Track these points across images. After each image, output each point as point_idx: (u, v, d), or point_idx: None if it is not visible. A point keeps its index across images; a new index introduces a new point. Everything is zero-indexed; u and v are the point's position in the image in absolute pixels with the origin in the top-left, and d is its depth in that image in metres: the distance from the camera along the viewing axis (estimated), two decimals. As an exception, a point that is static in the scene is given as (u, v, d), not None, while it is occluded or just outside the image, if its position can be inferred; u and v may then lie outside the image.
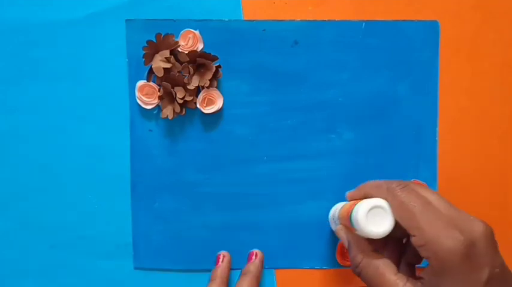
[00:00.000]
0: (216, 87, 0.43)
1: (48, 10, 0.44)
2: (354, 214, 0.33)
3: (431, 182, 0.44)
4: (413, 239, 0.30)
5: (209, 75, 0.42)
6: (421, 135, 0.45)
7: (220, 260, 0.43)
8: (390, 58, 0.44)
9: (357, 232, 0.33)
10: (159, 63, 0.42)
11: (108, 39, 0.44)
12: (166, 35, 0.42)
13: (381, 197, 0.32)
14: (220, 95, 0.43)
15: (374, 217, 0.32)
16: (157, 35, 0.42)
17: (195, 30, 0.43)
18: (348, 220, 0.34)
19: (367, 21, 0.44)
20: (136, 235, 0.44)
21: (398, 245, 0.35)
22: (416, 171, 0.45)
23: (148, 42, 0.42)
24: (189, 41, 0.43)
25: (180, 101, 0.42)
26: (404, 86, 0.44)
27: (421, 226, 0.29)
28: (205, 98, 0.43)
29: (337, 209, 0.40)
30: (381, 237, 0.32)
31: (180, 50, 0.43)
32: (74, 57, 0.44)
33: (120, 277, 0.44)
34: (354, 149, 0.45)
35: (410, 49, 0.44)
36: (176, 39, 0.43)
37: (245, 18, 0.44)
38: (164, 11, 0.44)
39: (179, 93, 0.42)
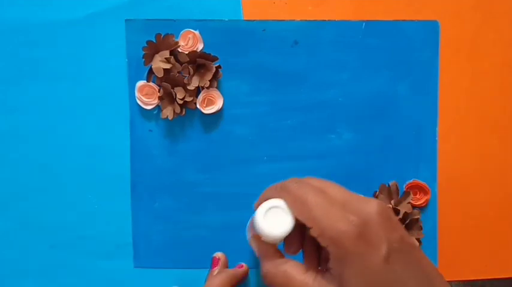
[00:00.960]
0: (216, 87, 0.43)
1: (48, 10, 0.44)
2: (254, 220, 0.31)
3: (431, 182, 0.44)
4: (310, 231, 0.29)
5: (209, 76, 0.42)
6: (421, 135, 0.45)
7: (216, 263, 0.43)
8: (390, 58, 0.44)
9: (263, 239, 0.32)
10: (159, 63, 0.42)
11: (108, 39, 0.44)
12: (166, 35, 0.42)
13: (278, 197, 0.31)
14: (220, 95, 0.43)
15: (273, 219, 0.31)
16: (157, 35, 0.42)
17: (195, 30, 0.43)
18: (253, 229, 0.33)
19: (367, 21, 0.44)
20: (136, 235, 0.44)
21: (315, 242, 0.32)
22: (416, 171, 0.45)
23: (148, 42, 0.42)
24: (189, 41, 0.43)
25: (180, 102, 0.42)
26: (404, 86, 0.44)
27: (315, 215, 0.29)
28: (205, 98, 0.43)
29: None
30: (283, 237, 0.31)
31: (180, 51, 0.43)
32: (74, 57, 0.44)
33: (120, 277, 0.44)
34: (354, 149, 0.45)
35: (410, 49, 0.44)
36: (176, 40, 0.43)
37: (245, 18, 0.44)
38: (164, 11, 0.44)
39: (179, 94, 0.42)
